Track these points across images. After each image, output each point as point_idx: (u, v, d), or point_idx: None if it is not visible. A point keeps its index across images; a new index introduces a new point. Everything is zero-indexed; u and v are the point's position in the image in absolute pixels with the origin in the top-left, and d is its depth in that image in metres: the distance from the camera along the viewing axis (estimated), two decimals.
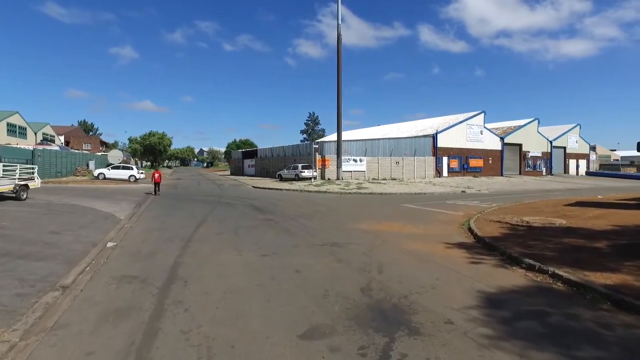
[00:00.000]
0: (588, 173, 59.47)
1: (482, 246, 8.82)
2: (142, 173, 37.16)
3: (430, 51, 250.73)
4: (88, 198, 19.12)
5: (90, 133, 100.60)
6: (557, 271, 6.24)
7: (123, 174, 34.05)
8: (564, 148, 57.12)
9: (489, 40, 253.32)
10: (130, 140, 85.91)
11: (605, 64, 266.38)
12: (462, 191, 26.42)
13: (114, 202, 17.78)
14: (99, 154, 61.14)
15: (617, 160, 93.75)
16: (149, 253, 8.19)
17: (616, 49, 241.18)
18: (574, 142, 58.81)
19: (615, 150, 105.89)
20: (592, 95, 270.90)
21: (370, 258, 7.73)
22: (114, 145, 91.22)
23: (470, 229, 10.67)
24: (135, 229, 11.27)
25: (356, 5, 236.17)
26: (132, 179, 34.05)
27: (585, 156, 61.28)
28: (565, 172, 56.80)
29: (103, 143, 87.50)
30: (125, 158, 58.26)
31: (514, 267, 6.96)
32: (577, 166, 59.03)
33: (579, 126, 59.38)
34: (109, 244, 9.11)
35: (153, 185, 22.89)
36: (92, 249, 8.51)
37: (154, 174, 23.02)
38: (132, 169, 35.04)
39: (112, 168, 34.73)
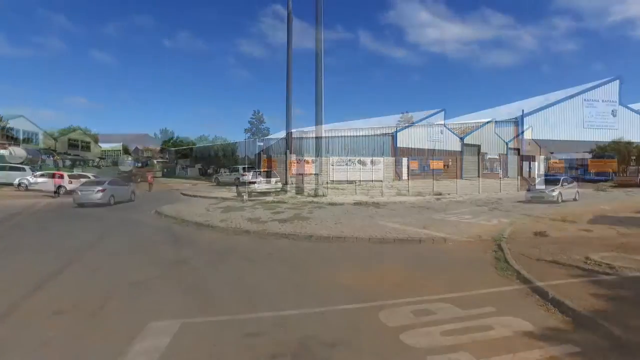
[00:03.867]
0: (539, 175, 59.22)
1: (608, 345, 4.18)
2: (42, 176, 29.63)
3: (371, 54, 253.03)
4: None
5: None
6: None
7: (8, 176, 26.35)
8: (518, 150, 56.20)
9: (426, 47, 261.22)
10: (44, 135, 73.57)
11: (526, 74, 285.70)
12: (437, 198, 22.46)
13: None
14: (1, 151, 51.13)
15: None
16: None
17: (533, 59, 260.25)
18: (526, 144, 58.26)
19: (553, 152, 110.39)
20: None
21: None
22: (27, 141, 78.41)
23: (538, 290, 6.02)
24: None
25: (296, 6, 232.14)
26: (24, 184, 26.55)
27: (536, 158, 61.22)
28: (519, 175, 55.82)
29: (12, 138, 74.97)
30: (31, 156, 48.94)
31: None
32: (530, 168, 58.56)
33: (531, 128, 58.88)
34: None
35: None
36: None
37: (54, 175, 22.49)
38: (23, 170, 27.33)
39: None
